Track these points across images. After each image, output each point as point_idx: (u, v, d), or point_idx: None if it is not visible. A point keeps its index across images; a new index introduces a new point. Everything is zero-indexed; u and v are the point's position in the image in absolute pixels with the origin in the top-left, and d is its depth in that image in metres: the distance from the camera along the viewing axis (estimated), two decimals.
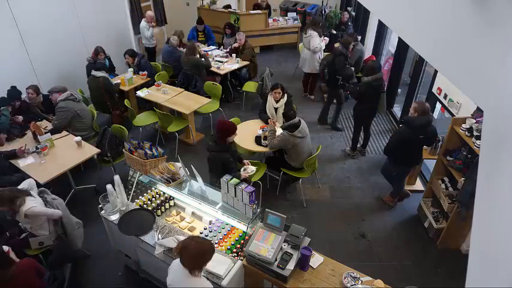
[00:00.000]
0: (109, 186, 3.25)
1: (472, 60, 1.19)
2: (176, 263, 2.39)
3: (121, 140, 4.74)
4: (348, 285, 2.68)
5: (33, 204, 3.14)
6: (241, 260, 2.96)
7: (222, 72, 6.70)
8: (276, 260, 2.80)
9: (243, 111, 6.76)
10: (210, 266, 2.85)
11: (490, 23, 1.07)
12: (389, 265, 3.89)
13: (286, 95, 5.08)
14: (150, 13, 7.42)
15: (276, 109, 5.03)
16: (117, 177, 3.31)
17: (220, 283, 2.77)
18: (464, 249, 3.99)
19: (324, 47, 6.90)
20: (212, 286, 2.41)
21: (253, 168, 4.07)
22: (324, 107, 6.45)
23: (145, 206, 3.53)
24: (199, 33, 8.03)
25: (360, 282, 2.70)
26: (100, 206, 3.45)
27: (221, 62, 6.97)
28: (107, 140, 4.62)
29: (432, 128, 4.04)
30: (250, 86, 6.83)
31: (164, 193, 3.69)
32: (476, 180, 1.20)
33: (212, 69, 6.75)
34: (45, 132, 4.52)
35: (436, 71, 4.78)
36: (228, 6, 9.32)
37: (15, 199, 3.06)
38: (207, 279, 2.82)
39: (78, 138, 4.49)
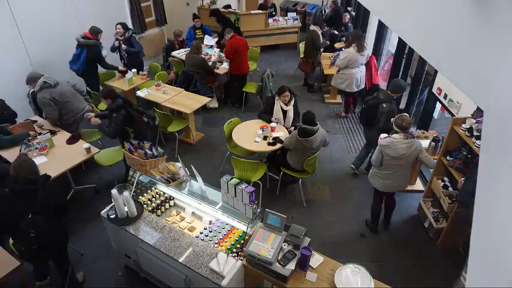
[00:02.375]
0: (114, 191, 3.21)
1: (472, 60, 1.19)
2: None
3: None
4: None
5: None
6: (241, 260, 2.96)
7: (221, 72, 6.71)
8: (277, 260, 2.80)
9: (243, 112, 6.76)
10: (214, 264, 2.86)
11: (490, 23, 1.07)
12: (389, 265, 3.89)
13: (294, 97, 5.03)
14: None
15: (285, 112, 4.98)
16: (126, 194, 3.25)
17: (220, 283, 2.77)
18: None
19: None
20: None
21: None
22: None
23: (145, 206, 3.53)
24: (196, 30, 8.02)
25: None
26: (104, 211, 3.44)
27: (220, 62, 6.98)
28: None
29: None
30: (250, 87, 6.82)
31: (164, 193, 3.69)
32: (476, 180, 1.20)
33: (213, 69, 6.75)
34: (46, 133, 4.50)
35: (436, 71, 4.77)
36: (228, 6, 9.32)
37: None
38: (207, 278, 2.82)
39: (87, 145, 4.34)
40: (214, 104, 6.83)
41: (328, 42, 7.47)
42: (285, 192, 4.90)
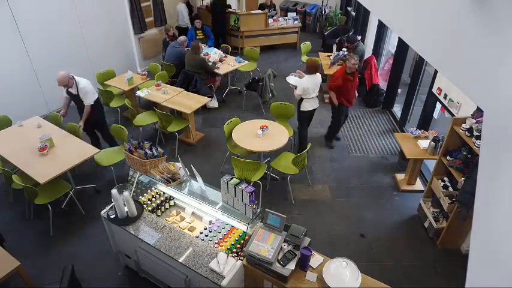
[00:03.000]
0: (114, 191, 3.20)
1: (472, 61, 1.19)
2: None
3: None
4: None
5: None
6: (241, 260, 2.96)
7: (221, 72, 6.70)
8: (277, 259, 2.81)
9: (243, 111, 6.76)
10: (214, 264, 2.86)
11: (490, 23, 1.07)
12: (389, 265, 3.89)
13: None
14: None
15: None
16: (126, 194, 3.25)
17: (220, 283, 2.77)
18: (464, 249, 3.99)
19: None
20: None
21: None
22: None
23: (145, 206, 3.53)
24: (197, 31, 8.05)
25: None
26: (104, 211, 3.44)
27: (221, 61, 6.99)
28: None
29: None
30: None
31: (164, 193, 3.69)
32: (476, 180, 1.20)
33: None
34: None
35: (436, 71, 4.78)
36: (228, 6, 9.33)
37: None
38: (207, 278, 2.82)
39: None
40: (214, 104, 6.83)
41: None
42: (285, 192, 4.90)
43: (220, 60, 7.01)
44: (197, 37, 8.00)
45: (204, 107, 6.29)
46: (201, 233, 3.26)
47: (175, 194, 3.62)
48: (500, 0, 1.01)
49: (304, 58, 7.96)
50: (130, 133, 6.09)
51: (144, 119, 5.78)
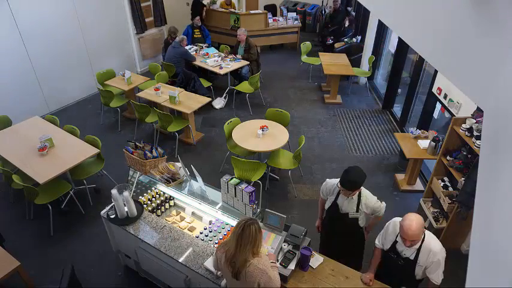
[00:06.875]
0: (114, 191, 3.20)
1: (472, 60, 1.19)
2: None
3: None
4: None
5: None
6: None
7: (222, 72, 6.69)
8: (277, 260, 2.80)
9: (243, 111, 6.76)
10: (208, 263, 2.86)
11: (490, 22, 1.07)
12: None
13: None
14: None
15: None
16: (126, 194, 3.24)
17: (220, 283, 2.77)
18: (464, 249, 3.99)
19: None
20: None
21: None
22: None
23: (145, 206, 3.53)
24: (195, 30, 7.99)
25: None
26: (104, 211, 3.44)
27: (226, 56, 7.04)
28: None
29: None
30: (244, 87, 6.82)
31: (164, 193, 3.69)
32: (476, 180, 1.20)
33: (213, 69, 6.74)
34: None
35: (436, 71, 4.78)
36: None
37: None
38: (207, 278, 2.82)
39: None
40: (220, 105, 6.83)
41: None
42: (285, 192, 4.90)
43: (223, 60, 7.00)
44: (195, 36, 7.95)
45: (205, 107, 6.28)
46: (201, 233, 3.26)
47: (175, 194, 3.62)
48: (500, 0, 1.01)
49: (304, 58, 7.98)
50: (131, 133, 6.10)
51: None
